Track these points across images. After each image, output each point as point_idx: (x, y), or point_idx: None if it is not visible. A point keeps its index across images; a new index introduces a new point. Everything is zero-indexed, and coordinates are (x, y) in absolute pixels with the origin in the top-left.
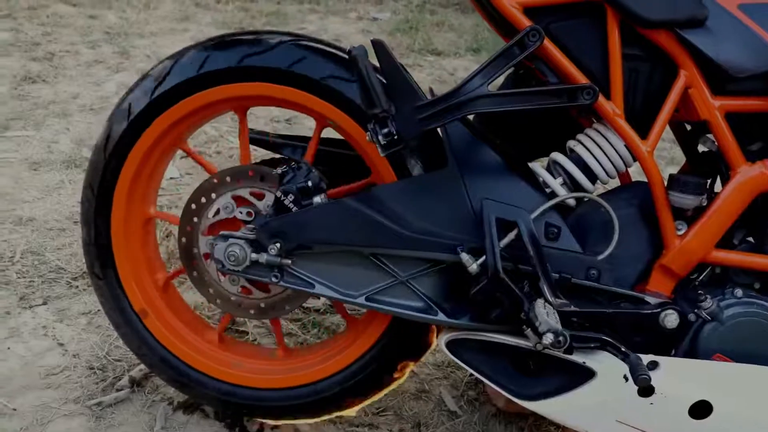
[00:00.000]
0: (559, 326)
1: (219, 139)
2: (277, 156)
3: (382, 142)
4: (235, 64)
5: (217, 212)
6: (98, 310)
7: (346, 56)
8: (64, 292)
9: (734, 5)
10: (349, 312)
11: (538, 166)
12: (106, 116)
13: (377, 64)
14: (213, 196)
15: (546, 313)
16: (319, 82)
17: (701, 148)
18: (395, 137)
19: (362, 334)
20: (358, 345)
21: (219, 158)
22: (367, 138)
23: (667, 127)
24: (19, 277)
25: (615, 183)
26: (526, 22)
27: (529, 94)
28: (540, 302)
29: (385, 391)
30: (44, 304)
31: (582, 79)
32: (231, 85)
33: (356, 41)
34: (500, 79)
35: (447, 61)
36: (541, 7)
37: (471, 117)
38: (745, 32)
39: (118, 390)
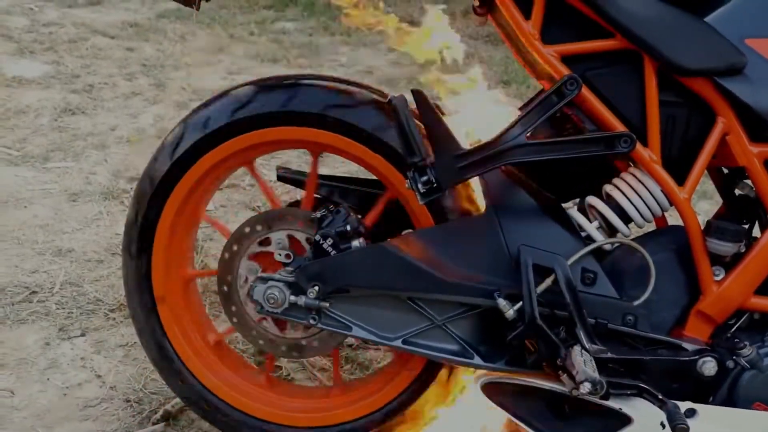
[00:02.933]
0: (596, 375)
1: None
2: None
3: (421, 190)
4: (278, 108)
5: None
6: (135, 342)
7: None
8: (102, 324)
9: None
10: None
11: (574, 211)
12: (142, 148)
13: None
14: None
15: (583, 361)
16: (362, 129)
17: (738, 192)
18: (434, 185)
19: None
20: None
21: (253, 191)
22: (407, 186)
23: None
24: (58, 308)
25: (650, 226)
26: (564, 71)
27: (568, 142)
28: (577, 349)
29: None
30: (82, 335)
31: (619, 127)
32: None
33: (387, 73)
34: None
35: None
36: (578, 55)
37: None
38: None
39: (154, 423)
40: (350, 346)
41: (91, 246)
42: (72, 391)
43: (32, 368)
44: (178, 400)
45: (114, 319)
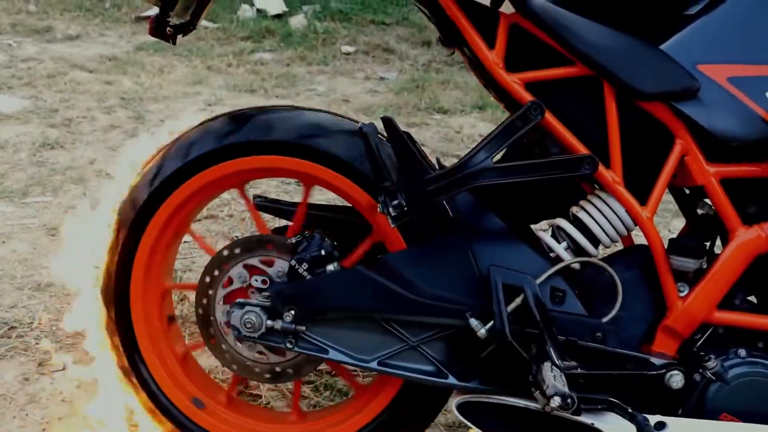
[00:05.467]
0: (566, 389)
1: (231, 202)
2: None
3: (392, 214)
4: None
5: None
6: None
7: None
8: (83, 358)
9: (723, 78)
10: (358, 375)
11: (542, 233)
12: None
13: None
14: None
15: (553, 377)
16: (333, 156)
17: (699, 211)
18: (404, 209)
19: (376, 398)
20: (370, 408)
21: (231, 221)
22: (378, 209)
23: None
24: (37, 343)
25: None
26: (527, 97)
27: (532, 166)
28: (547, 365)
29: None
30: (63, 369)
31: (582, 150)
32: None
33: (364, 101)
34: None
35: (453, 118)
36: (541, 81)
37: None
38: (734, 103)
39: None
40: (329, 372)
41: (70, 280)
42: (52, 426)
43: (11, 404)
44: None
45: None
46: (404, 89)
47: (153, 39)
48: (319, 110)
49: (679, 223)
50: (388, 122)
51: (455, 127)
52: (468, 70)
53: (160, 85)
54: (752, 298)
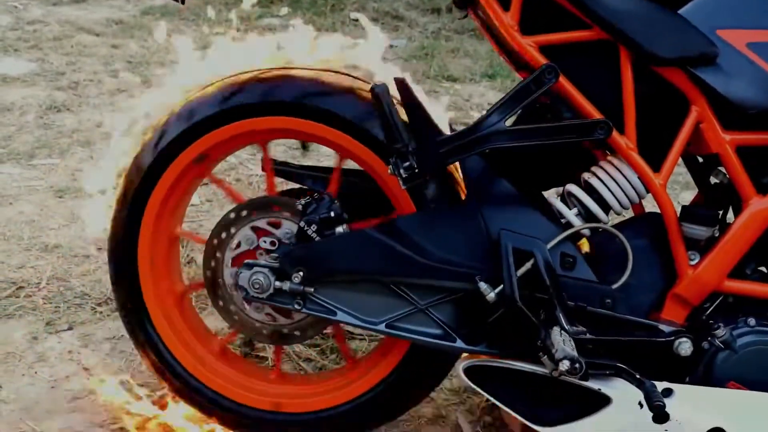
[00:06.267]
0: (575, 353)
1: (238, 167)
2: (298, 187)
3: (403, 175)
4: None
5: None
6: (122, 336)
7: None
8: (89, 318)
9: (743, 44)
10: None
11: (553, 198)
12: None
13: (399, 100)
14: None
15: (562, 341)
16: (343, 117)
17: (713, 179)
18: (415, 171)
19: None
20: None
21: (238, 186)
22: (389, 171)
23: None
24: (45, 303)
25: (630, 214)
26: (542, 60)
27: (545, 129)
28: (556, 330)
29: None
30: (70, 329)
31: (596, 115)
32: (257, 119)
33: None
34: None
35: (462, 87)
36: (556, 45)
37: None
38: (753, 69)
39: (141, 414)
40: (335, 335)
41: (77, 241)
42: (60, 383)
43: (20, 362)
44: (164, 391)
45: (101, 312)
46: (413, 57)
47: (160, 2)
48: (336, 71)
49: (688, 196)
50: (401, 83)
51: (464, 95)
52: (481, 33)
53: (166, 49)
54: (763, 269)
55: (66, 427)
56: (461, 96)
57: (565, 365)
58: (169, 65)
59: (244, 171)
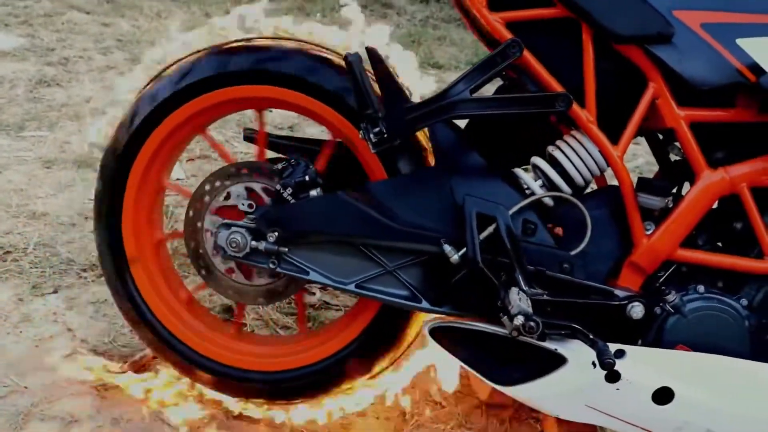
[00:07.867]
0: (530, 309)
1: (224, 144)
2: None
3: (373, 140)
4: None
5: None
6: (105, 300)
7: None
8: (74, 282)
9: (697, 24)
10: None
11: (519, 170)
12: (116, 119)
13: (371, 70)
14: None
15: (519, 299)
16: (322, 87)
17: (672, 157)
18: (385, 135)
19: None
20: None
21: (223, 162)
22: (360, 135)
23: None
24: (31, 267)
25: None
26: (508, 35)
27: (509, 100)
28: (514, 290)
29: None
30: (55, 292)
31: (558, 88)
32: (246, 87)
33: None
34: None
35: (448, 74)
36: (522, 21)
37: (457, 122)
38: (706, 48)
39: (122, 373)
40: (312, 305)
41: (64, 210)
42: (44, 343)
43: (5, 322)
44: (146, 352)
45: (85, 278)
46: (400, 44)
47: None
48: (312, 44)
49: None
50: (372, 52)
51: (450, 82)
52: (459, 15)
53: (156, 29)
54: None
55: (50, 382)
56: (446, 83)
57: (519, 320)
58: (160, 45)
59: (228, 148)
